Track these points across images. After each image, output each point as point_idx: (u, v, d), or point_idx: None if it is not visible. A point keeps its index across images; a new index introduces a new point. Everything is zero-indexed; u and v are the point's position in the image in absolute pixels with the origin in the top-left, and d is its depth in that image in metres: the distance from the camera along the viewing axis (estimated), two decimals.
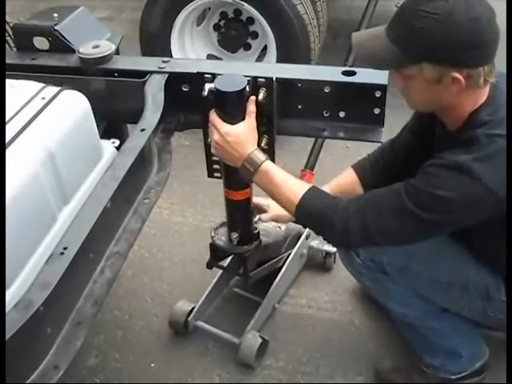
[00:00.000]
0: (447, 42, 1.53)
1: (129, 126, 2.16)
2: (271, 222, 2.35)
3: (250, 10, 3.37)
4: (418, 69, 1.60)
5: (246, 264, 2.13)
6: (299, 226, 2.58)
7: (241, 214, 2.01)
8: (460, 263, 1.94)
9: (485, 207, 1.62)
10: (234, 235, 2.03)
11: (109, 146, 1.94)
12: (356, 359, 2.37)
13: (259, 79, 1.77)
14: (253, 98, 1.73)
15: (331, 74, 1.87)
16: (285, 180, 1.77)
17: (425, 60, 1.58)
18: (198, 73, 1.82)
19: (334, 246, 1.75)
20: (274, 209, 2.05)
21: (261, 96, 1.76)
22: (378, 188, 1.76)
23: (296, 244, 2.59)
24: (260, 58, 3.72)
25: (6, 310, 1.30)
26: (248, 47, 3.73)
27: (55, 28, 2.03)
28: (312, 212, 1.76)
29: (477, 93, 1.65)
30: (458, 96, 1.64)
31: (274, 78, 1.77)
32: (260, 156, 1.74)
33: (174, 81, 1.93)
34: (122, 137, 2.07)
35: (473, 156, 1.58)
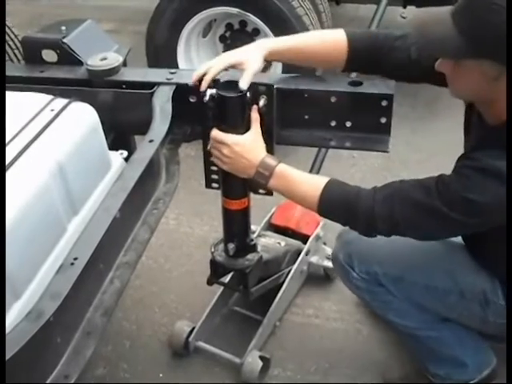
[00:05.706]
0: None
1: (136, 137, 2.18)
2: (271, 238, 2.33)
3: (255, 21, 3.39)
4: (478, 63, 1.52)
5: (246, 280, 2.10)
6: (299, 242, 2.59)
7: (238, 225, 2.01)
8: (455, 269, 1.93)
9: None
10: (231, 246, 2.02)
11: (117, 157, 1.95)
12: (364, 368, 2.36)
13: (260, 86, 1.78)
14: (255, 106, 1.75)
15: (338, 84, 1.89)
16: (302, 177, 1.78)
17: (488, 57, 1.49)
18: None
19: (360, 233, 1.75)
20: (251, 66, 1.77)
21: (261, 103, 1.77)
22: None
23: (296, 260, 2.55)
24: (266, 69, 3.73)
25: (18, 320, 1.31)
26: None
27: (63, 41, 2.05)
28: (335, 202, 1.74)
29: None
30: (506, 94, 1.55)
31: (275, 86, 1.78)
32: (272, 160, 1.76)
33: (182, 92, 1.94)
34: (130, 148, 2.08)
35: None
